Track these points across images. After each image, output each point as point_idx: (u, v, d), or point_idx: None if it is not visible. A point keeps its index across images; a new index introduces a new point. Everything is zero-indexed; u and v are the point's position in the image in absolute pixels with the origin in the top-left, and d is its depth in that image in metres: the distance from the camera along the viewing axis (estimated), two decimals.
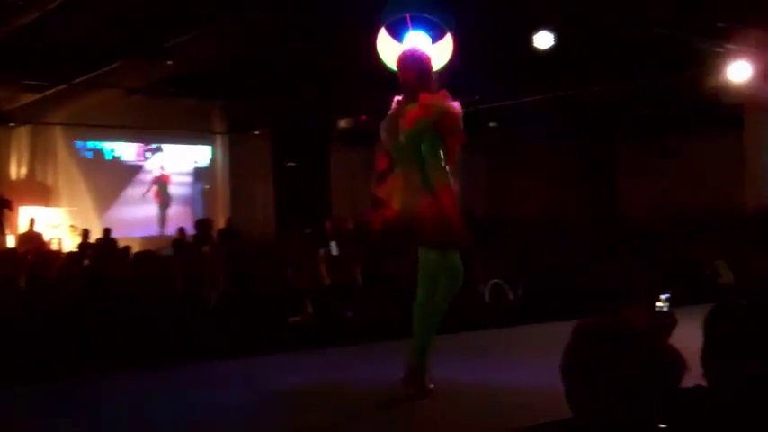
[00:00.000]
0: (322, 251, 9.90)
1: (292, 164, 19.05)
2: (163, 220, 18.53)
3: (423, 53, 5.15)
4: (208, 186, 19.14)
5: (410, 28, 5.28)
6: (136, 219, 17.89)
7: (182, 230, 15.90)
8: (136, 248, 11.99)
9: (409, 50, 5.16)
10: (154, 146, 18.60)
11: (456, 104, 5.02)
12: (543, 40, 10.95)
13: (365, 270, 9.32)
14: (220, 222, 16.98)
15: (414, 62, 5.07)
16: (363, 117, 16.88)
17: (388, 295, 8.24)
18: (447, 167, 4.93)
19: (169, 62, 13.02)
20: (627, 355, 2.05)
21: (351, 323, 7.94)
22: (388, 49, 5.34)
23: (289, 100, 15.99)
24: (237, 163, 18.77)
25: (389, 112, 5.15)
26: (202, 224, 15.40)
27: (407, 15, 5.29)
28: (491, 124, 17.65)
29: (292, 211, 17.28)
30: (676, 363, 2.58)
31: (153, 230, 18.04)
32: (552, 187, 18.72)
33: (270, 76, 14.45)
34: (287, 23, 11.50)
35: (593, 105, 16.24)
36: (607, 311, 2.25)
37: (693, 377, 2.44)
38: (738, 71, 12.64)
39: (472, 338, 7.39)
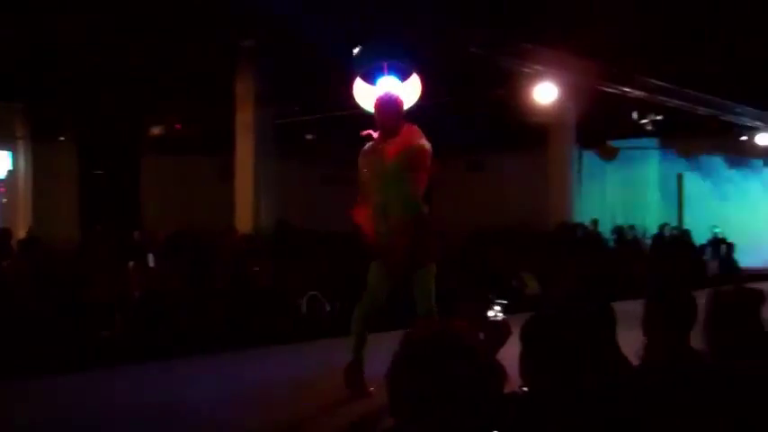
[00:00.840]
0: (131, 263, 9.53)
1: (100, 172, 18.31)
2: None
3: (397, 96, 5.76)
4: (5, 200, 18.01)
5: (386, 74, 5.95)
6: None
7: None
8: None
9: (386, 95, 5.75)
10: None
11: (426, 143, 5.70)
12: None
13: (184, 281, 9.05)
14: (21, 233, 16.03)
15: (391, 105, 5.67)
16: (178, 126, 16.47)
17: (205, 307, 8.06)
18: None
19: None
20: (453, 363, 2.05)
21: (164, 336, 7.68)
22: (364, 94, 6.01)
23: (97, 104, 15.37)
24: (40, 170, 17.77)
25: (368, 146, 5.75)
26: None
27: (385, 63, 5.96)
28: (308, 136, 17.66)
29: (100, 221, 16.56)
30: (498, 370, 2.63)
31: None
32: None
33: (77, 78, 13.82)
34: (98, 25, 11.05)
35: None
36: (433, 321, 2.23)
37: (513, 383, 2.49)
38: (544, 92, 13.24)
39: (286, 351, 7.35)
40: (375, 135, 5.70)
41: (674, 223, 17.79)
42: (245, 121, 13.43)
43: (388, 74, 5.93)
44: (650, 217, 17.89)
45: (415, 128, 5.70)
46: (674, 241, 15.89)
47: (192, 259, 9.70)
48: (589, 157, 18.06)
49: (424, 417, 2.03)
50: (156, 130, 17.26)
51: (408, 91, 5.98)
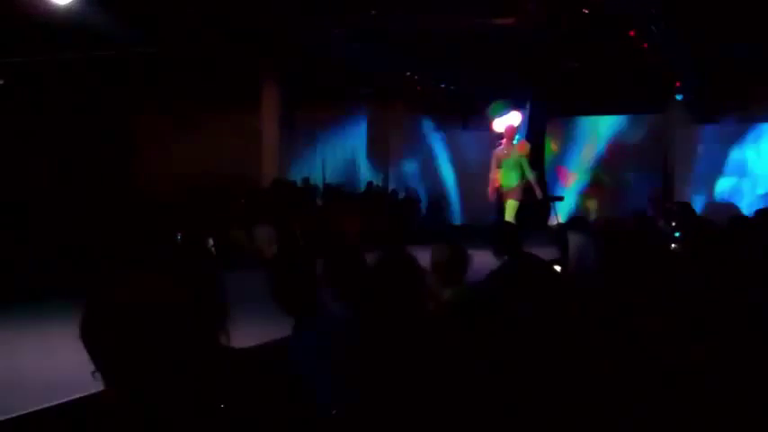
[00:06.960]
0: None
1: None
2: None
3: (512, 124, 12.74)
4: None
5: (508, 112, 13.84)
6: None
7: None
8: None
9: (511, 125, 12.62)
10: None
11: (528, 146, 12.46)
12: None
13: None
14: None
15: (514, 129, 12.38)
16: None
17: None
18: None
19: None
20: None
21: None
22: (500, 123, 13.22)
23: None
24: None
25: (500, 148, 12.02)
26: None
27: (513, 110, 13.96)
28: None
29: None
30: None
31: None
32: (59, 158, 17.27)
33: None
34: None
35: (107, 71, 15.49)
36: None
37: None
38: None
39: None
40: (503, 142, 12.01)
41: (381, 183, 18.46)
42: None
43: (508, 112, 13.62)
44: (358, 176, 18.47)
45: (523, 140, 12.74)
46: (380, 197, 16.72)
47: None
48: (303, 117, 18.10)
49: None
50: None
51: (515, 118, 13.40)
